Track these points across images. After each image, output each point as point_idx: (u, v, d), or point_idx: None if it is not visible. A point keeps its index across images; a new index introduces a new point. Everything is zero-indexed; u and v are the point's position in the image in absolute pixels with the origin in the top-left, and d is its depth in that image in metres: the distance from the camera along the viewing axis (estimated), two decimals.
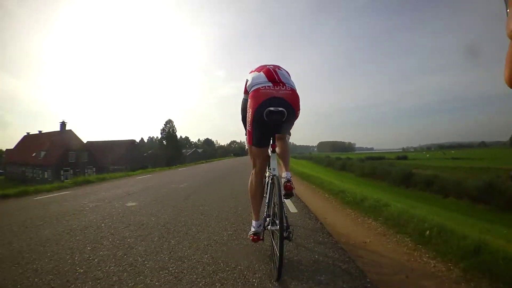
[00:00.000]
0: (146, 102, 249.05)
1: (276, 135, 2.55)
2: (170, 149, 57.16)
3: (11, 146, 51.87)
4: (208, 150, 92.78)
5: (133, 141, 51.04)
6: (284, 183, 2.36)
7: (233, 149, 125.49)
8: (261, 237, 2.55)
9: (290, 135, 3.02)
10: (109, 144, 48.64)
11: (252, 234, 2.53)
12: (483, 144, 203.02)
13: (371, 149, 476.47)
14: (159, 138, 62.27)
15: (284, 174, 2.50)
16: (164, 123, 62.27)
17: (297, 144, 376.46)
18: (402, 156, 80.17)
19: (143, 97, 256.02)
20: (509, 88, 0.62)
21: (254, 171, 2.61)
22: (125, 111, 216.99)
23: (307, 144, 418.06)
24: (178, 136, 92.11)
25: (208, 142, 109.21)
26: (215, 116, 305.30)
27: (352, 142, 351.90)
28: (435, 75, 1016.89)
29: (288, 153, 2.81)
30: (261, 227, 2.54)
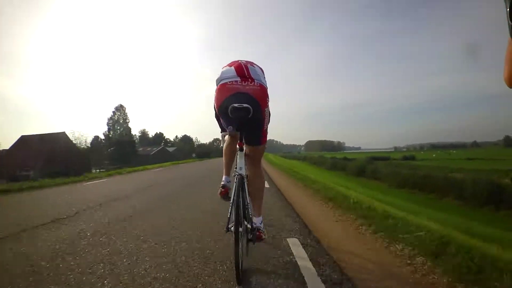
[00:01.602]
0: (132, 96, 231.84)
1: (248, 150, 2.53)
2: (119, 146, 42.76)
3: None
4: (185, 148, 79.45)
5: (62, 135, 35.59)
6: (254, 231, 2.32)
7: (215, 148, 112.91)
8: (229, 191, 2.44)
9: (265, 146, 2.67)
10: (33, 138, 34.93)
11: (221, 187, 2.54)
12: (475, 144, 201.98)
13: (359, 148, 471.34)
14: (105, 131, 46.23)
15: (254, 220, 2.41)
16: (113, 110, 46.79)
17: (284, 143, 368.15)
18: (410, 156, 70.62)
19: (129, 92, 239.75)
20: (508, 87, 0.61)
21: (227, 137, 2.62)
22: (104, 106, 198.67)
23: (294, 143, 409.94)
24: (139, 131, 75.86)
25: (185, 139, 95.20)
26: (198, 113, 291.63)
27: (341, 141, 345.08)
28: (424, 77, 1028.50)
29: (261, 190, 2.64)
30: (230, 182, 2.53)
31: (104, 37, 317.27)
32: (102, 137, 46.20)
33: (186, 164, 26.29)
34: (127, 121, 45.13)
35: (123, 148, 42.46)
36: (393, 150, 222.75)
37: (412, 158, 68.14)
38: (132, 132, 47.59)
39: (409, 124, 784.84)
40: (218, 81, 2.33)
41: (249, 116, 2.16)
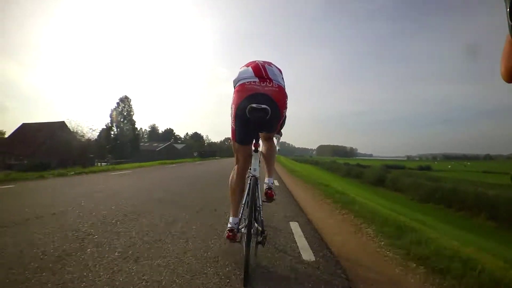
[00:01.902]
0: (145, 91, 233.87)
1: (263, 134, 2.58)
2: (120, 140, 41.02)
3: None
4: (195, 146, 78.58)
5: (60, 124, 33.75)
6: (265, 189, 2.42)
7: (226, 147, 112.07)
8: (237, 235, 2.32)
9: (280, 136, 2.85)
10: (32, 127, 34.01)
11: (228, 230, 2.37)
12: (488, 157, 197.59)
13: (370, 155, 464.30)
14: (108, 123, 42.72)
15: (266, 180, 2.50)
16: (117, 101, 43.61)
17: (296, 146, 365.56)
18: (425, 166, 68.14)
19: (142, 87, 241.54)
20: (506, 82, 0.65)
21: (236, 167, 2.50)
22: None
23: (305, 147, 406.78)
24: (149, 126, 74.88)
25: (195, 137, 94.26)
26: (210, 112, 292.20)
27: (354, 147, 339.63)
28: (438, 84, 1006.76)
29: (273, 157, 2.73)
30: (238, 225, 2.37)
31: (123, 33, 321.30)
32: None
33: (179, 165, 20.19)
34: (132, 113, 42.23)
35: (124, 142, 41.02)
36: (405, 159, 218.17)
37: (428, 168, 65.53)
38: (137, 126, 44.99)
39: (422, 133, 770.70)
40: (235, 81, 2.33)
41: (267, 118, 2.12)
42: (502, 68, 0.63)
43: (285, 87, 2.34)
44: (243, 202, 2.36)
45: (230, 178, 2.51)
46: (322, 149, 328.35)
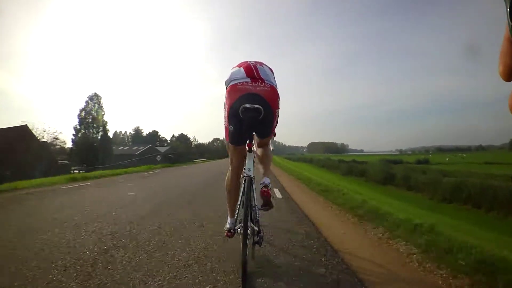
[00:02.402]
0: (130, 93, 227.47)
1: (259, 141, 2.59)
2: (86, 143, 35.38)
3: None
4: (180, 148, 74.08)
5: (23, 129, 28.67)
6: (261, 188, 2.29)
7: (215, 148, 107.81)
8: (235, 233, 2.48)
9: (274, 136, 2.81)
10: None
11: (226, 230, 2.50)
12: (481, 148, 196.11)
13: (361, 151, 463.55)
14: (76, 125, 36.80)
15: (262, 180, 2.39)
16: (86, 99, 37.65)
17: (286, 144, 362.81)
18: (423, 160, 65.33)
19: (127, 89, 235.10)
20: (504, 81, 0.60)
21: (230, 167, 2.53)
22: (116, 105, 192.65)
23: (296, 145, 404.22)
24: (132, 128, 70.43)
25: (182, 138, 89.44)
26: (200, 114, 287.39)
27: (345, 143, 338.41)
28: (427, 78, 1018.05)
29: (269, 157, 2.69)
30: (234, 224, 2.48)
31: (104, 34, 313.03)
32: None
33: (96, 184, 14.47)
34: (103, 113, 37.71)
35: (92, 146, 35.70)
36: (398, 153, 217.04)
37: (426, 161, 62.81)
38: (120, 129, 40.23)
39: (411, 127, 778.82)
40: (227, 82, 2.35)
41: (260, 117, 2.16)
42: (501, 67, 0.58)
43: (277, 86, 2.37)
44: (239, 202, 2.41)
45: (226, 178, 2.56)
46: (313, 146, 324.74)
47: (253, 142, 2.57)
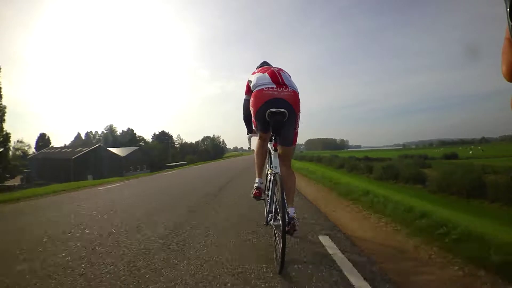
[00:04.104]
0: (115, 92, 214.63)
1: (281, 150, 2.73)
2: None
3: None
4: (157, 149, 61.70)
5: None
6: (288, 221, 2.36)
7: (205, 148, 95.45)
8: (262, 194, 2.80)
9: (295, 146, 2.93)
10: None
11: (255, 189, 2.76)
12: (484, 140, 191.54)
13: (359, 146, 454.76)
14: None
15: (288, 210, 2.43)
16: None
17: None
18: (451, 154, 54.14)
19: (114, 89, 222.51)
20: (508, 82, 0.64)
21: (258, 141, 2.87)
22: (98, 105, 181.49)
23: None
24: (105, 127, 57.22)
25: (162, 137, 76.38)
26: (190, 113, 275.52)
27: (344, 139, 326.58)
28: (421, 74, 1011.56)
29: (294, 186, 2.81)
30: (263, 184, 2.83)
31: (93, 33, 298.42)
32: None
33: None
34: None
35: None
36: (401, 147, 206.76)
37: (456, 156, 51.91)
38: (91, 130, 27.96)
39: (407, 121, 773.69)
40: (254, 87, 2.59)
41: (284, 120, 2.43)
42: (503, 67, 0.60)
43: (298, 91, 2.60)
44: (268, 198, 2.71)
45: (255, 148, 2.91)
46: (310, 143, 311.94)
47: (278, 144, 2.68)
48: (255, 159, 2.86)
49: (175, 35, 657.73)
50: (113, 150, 44.50)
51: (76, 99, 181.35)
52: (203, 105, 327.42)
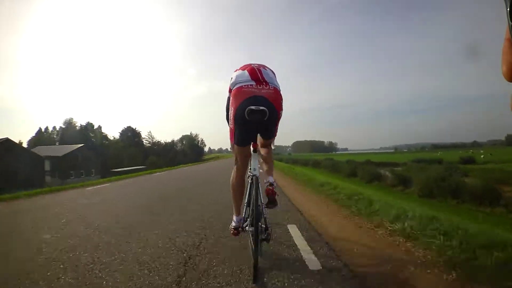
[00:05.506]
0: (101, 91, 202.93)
1: (262, 141, 2.65)
2: None
3: None
4: (121, 148, 51.03)
5: None
6: (266, 186, 2.42)
7: (182, 148, 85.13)
8: (241, 233, 2.54)
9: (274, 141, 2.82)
10: None
11: (233, 228, 2.54)
12: (476, 144, 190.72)
13: (346, 149, 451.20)
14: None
15: (267, 178, 2.54)
16: None
17: None
18: (468, 158, 46.37)
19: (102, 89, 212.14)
20: (508, 82, 0.64)
21: (235, 167, 2.59)
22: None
23: (280, 144, 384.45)
24: (63, 121, 46.97)
25: (127, 135, 64.70)
26: (173, 113, 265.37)
27: (333, 141, 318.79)
28: (409, 77, 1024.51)
29: (272, 158, 2.84)
30: (241, 222, 2.52)
31: (80, 31, 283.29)
32: None
33: None
34: None
35: None
36: (392, 151, 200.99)
37: (473, 161, 44.18)
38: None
39: (395, 124, 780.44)
40: (233, 85, 2.39)
41: (265, 119, 2.23)
42: (504, 67, 0.60)
43: (280, 88, 2.40)
44: (245, 201, 2.48)
45: (231, 178, 2.59)
46: (298, 145, 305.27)
47: (257, 142, 2.54)
48: (231, 192, 2.60)
49: (162, 34, 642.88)
50: (45, 148, 33.75)
51: (60, 97, 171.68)
52: (192, 106, 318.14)
